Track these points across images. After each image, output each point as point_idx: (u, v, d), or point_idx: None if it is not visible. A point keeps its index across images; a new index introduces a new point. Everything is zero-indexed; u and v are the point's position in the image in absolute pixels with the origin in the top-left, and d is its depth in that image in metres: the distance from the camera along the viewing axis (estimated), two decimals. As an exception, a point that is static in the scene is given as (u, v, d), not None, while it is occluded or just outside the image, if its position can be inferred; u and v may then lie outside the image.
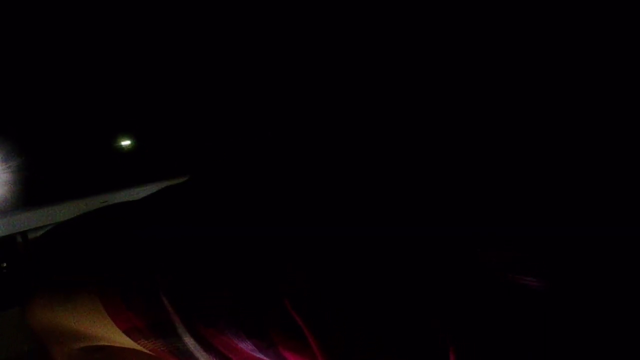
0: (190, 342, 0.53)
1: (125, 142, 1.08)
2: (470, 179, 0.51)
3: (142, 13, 0.69)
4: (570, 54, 0.54)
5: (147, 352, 0.57)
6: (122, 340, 0.57)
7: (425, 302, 0.45)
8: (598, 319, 0.42)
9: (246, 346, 0.51)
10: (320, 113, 0.63)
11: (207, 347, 0.53)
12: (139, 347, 0.57)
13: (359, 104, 0.61)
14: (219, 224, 0.55)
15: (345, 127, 0.61)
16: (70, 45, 0.72)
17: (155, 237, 0.56)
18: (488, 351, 0.43)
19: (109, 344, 0.59)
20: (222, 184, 0.62)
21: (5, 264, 1.05)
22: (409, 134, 0.57)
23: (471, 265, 0.45)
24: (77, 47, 0.72)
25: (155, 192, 0.64)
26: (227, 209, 0.57)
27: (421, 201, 0.51)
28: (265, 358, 0.51)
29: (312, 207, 0.54)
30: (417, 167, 0.54)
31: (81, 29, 0.71)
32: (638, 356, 0.42)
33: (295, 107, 0.64)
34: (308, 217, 0.53)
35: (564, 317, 0.43)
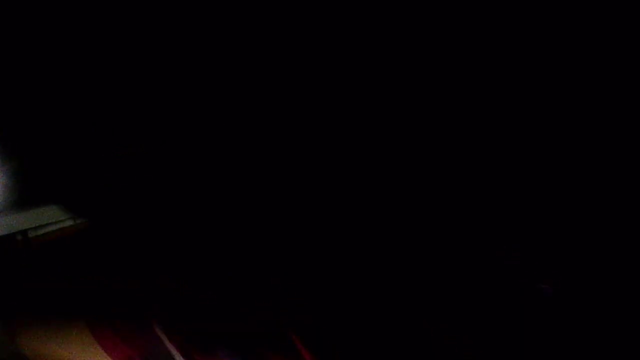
0: None
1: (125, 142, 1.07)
2: (473, 180, 0.51)
3: (143, 10, 0.68)
4: (571, 54, 0.54)
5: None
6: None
7: (427, 301, 0.45)
8: (602, 318, 0.42)
9: None
10: (321, 113, 0.62)
11: None
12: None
13: (360, 103, 0.60)
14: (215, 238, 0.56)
15: (345, 127, 0.60)
16: (70, 45, 0.70)
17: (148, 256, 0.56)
18: (490, 351, 0.42)
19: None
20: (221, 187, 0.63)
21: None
22: (409, 133, 0.56)
23: (472, 264, 0.45)
24: (78, 46, 0.71)
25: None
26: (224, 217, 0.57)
27: (424, 201, 0.51)
28: None
29: (313, 206, 0.54)
30: (419, 167, 0.53)
31: (80, 27, 0.70)
32: (638, 356, 0.42)
33: (294, 107, 0.64)
34: (309, 220, 0.53)
35: (568, 316, 0.43)
